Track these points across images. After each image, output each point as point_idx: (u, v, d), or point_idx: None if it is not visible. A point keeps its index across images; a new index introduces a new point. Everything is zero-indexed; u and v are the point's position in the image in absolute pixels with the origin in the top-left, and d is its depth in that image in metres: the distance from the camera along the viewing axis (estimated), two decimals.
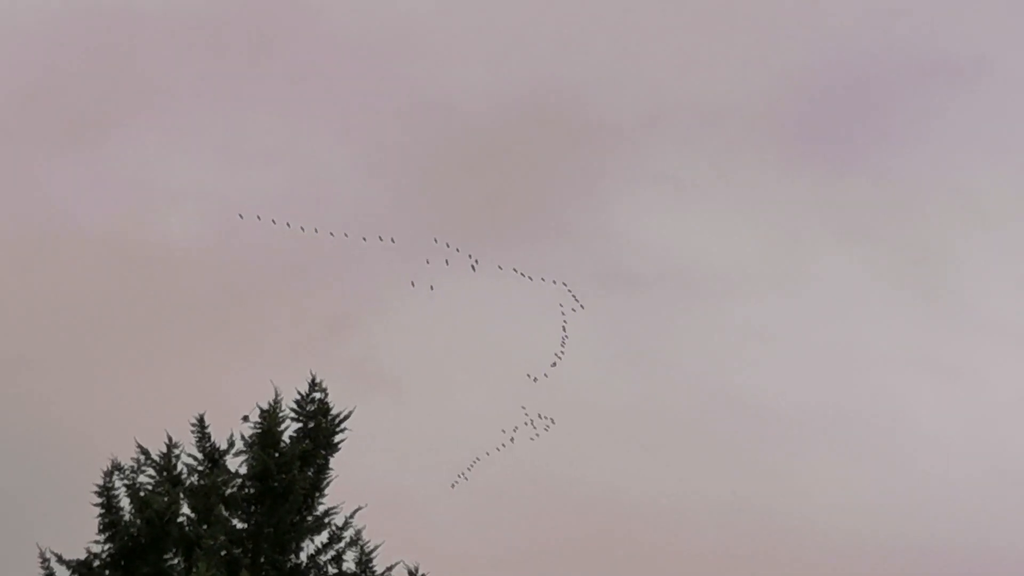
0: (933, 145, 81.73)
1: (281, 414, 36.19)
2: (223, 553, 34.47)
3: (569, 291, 54.37)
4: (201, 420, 36.17)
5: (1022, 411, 77.78)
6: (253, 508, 35.57)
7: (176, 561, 34.31)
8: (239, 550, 34.95)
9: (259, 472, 35.55)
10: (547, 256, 79.19)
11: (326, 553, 35.91)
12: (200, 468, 35.77)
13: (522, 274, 55.22)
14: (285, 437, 36.13)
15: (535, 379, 54.47)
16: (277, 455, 35.75)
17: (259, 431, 36.00)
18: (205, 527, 34.61)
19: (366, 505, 36.42)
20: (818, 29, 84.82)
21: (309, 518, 35.96)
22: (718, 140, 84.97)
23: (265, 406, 36.14)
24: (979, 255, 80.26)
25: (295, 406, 36.57)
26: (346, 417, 36.83)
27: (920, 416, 79.27)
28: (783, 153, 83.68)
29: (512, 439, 53.43)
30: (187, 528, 34.64)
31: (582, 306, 54.59)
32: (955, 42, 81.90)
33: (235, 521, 35.39)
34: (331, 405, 36.82)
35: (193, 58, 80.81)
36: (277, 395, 36.27)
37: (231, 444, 36.01)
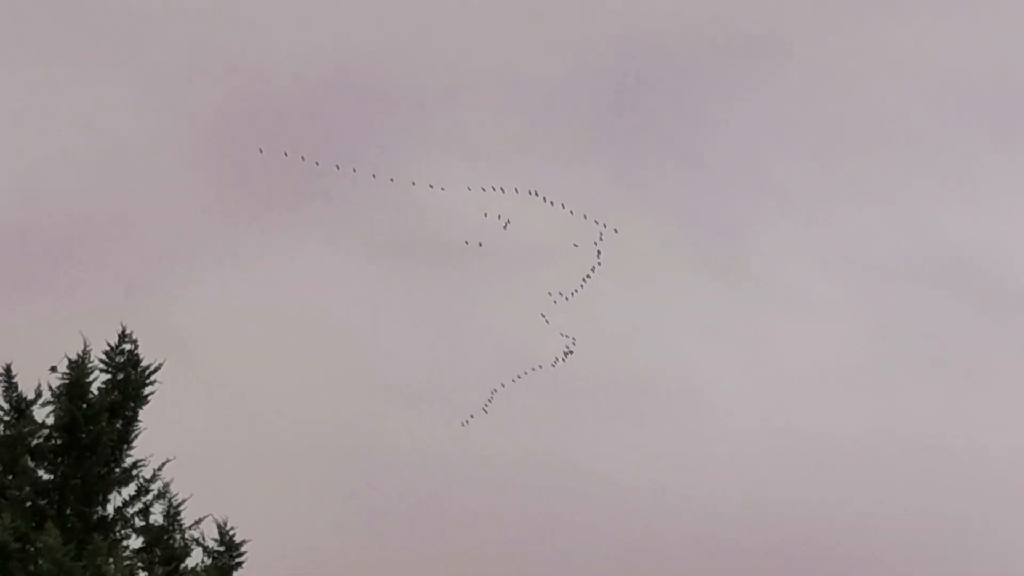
0: (734, 125, 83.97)
1: (90, 365, 35.80)
2: (28, 504, 34.14)
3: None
4: (8, 369, 35.54)
5: (812, 381, 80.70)
6: (60, 459, 35.18)
7: None
8: (45, 501, 34.63)
9: (66, 423, 35.19)
10: (351, 225, 79.57)
11: (133, 505, 35.66)
12: (6, 418, 35.17)
13: None
14: (94, 388, 35.78)
15: None
16: (85, 406, 35.42)
17: (67, 382, 35.59)
18: (11, 477, 34.17)
19: (174, 458, 36.32)
20: (624, 6, 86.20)
21: (117, 470, 35.64)
22: (521, 114, 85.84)
23: (74, 357, 35.72)
24: (776, 233, 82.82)
25: (104, 357, 36.21)
26: (156, 369, 36.57)
27: (715, 385, 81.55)
28: (586, 128, 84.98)
29: (540, 367, 59.00)
30: None
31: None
32: (756, 25, 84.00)
33: (41, 472, 34.99)
34: (141, 357, 36.55)
35: None
36: (86, 346, 35.92)
37: (38, 395, 35.50)
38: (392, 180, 60.69)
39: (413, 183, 60.56)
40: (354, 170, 59.65)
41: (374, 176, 60.14)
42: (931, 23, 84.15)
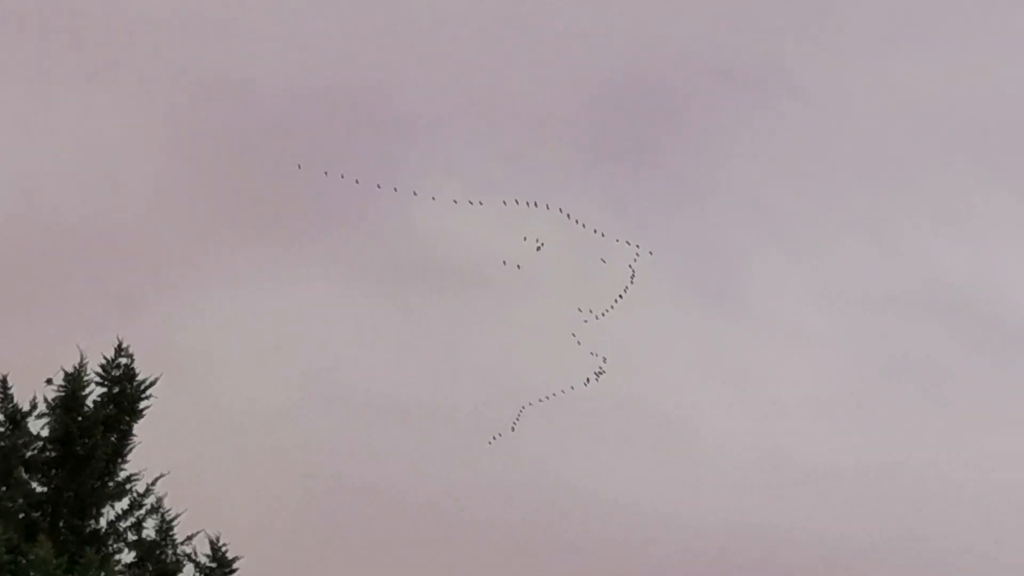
0: (731, 156, 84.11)
1: (86, 378, 35.83)
2: (21, 516, 34.13)
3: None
4: (3, 381, 35.51)
5: (802, 413, 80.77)
6: (54, 472, 35.16)
7: None
8: (38, 514, 34.61)
9: (61, 436, 35.19)
10: (342, 247, 79.70)
11: (126, 519, 35.66)
12: (1, 429, 35.16)
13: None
14: (89, 401, 35.81)
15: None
16: (80, 419, 35.41)
17: (63, 394, 35.61)
18: (4, 489, 34.12)
19: (168, 472, 36.36)
20: (616, 31, 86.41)
21: (110, 484, 35.64)
22: (512, 138, 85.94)
23: (70, 369, 35.74)
24: (770, 264, 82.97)
25: (100, 371, 36.25)
26: (152, 384, 36.62)
27: (705, 416, 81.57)
28: (582, 155, 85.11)
29: (572, 387, 59.45)
30: None
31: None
32: (757, 56, 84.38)
33: (35, 484, 34.98)
34: (137, 371, 36.59)
35: None
36: (82, 359, 35.93)
37: (33, 406, 35.48)
38: (415, 194, 60.92)
39: (433, 198, 60.80)
40: (379, 186, 59.84)
41: (396, 190, 60.36)
42: (927, 58, 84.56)
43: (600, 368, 59.83)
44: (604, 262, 59.85)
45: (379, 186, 59.79)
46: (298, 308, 75.73)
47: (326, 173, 59.07)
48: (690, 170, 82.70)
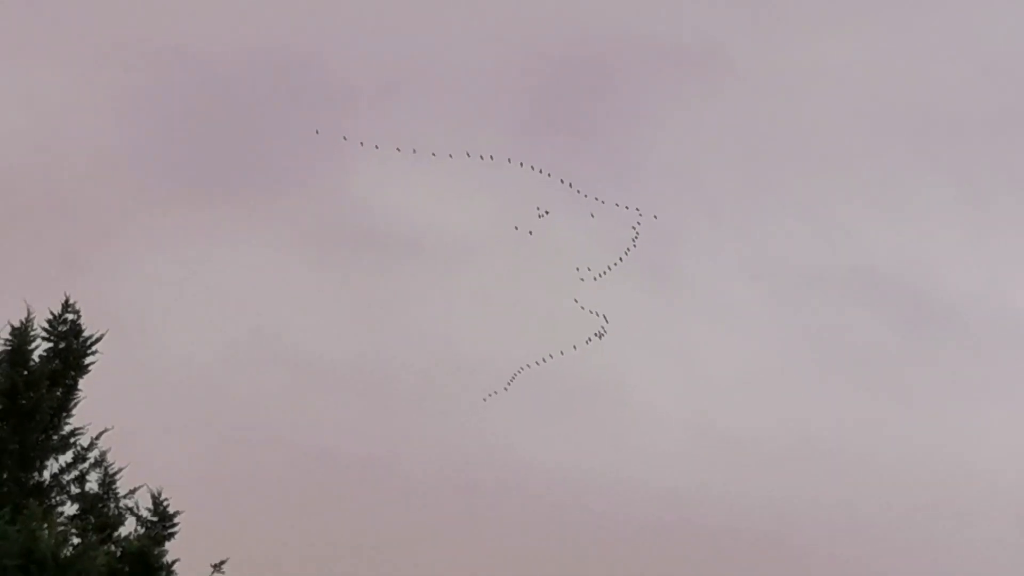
0: (669, 134, 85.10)
1: (32, 333, 36.22)
2: None
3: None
4: None
5: (735, 388, 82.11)
6: None
7: None
8: None
9: (6, 389, 35.56)
10: (286, 211, 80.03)
11: (70, 473, 36.11)
12: None
13: None
14: (35, 356, 36.19)
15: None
16: (26, 373, 35.82)
17: (8, 348, 35.98)
18: None
19: (112, 427, 36.81)
20: (556, 4, 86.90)
21: (55, 437, 36.07)
22: (457, 109, 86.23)
23: (16, 324, 36.14)
24: (705, 240, 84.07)
25: (47, 326, 36.64)
26: (97, 340, 37.04)
27: (643, 387, 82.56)
28: (521, 130, 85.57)
29: (562, 352, 62.32)
30: None
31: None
32: (699, 37, 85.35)
33: None
34: (83, 327, 37.02)
35: None
36: (29, 314, 36.34)
37: None
38: (398, 149, 61.16)
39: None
40: (344, 138, 60.13)
41: (344, 138, 60.67)
42: (863, 44, 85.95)
43: (603, 329, 62.35)
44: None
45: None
46: (243, 269, 76.23)
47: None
48: (625, 145, 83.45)
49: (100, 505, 36.08)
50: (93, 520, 35.88)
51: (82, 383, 36.83)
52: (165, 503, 36.57)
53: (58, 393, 36.21)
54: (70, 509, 35.96)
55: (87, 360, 36.81)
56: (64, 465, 36.14)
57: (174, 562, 35.57)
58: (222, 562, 35.76)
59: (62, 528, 34.44)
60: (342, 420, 70.39)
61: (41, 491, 35.63)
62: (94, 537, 35.23)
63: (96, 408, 37.33)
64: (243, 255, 75.83)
